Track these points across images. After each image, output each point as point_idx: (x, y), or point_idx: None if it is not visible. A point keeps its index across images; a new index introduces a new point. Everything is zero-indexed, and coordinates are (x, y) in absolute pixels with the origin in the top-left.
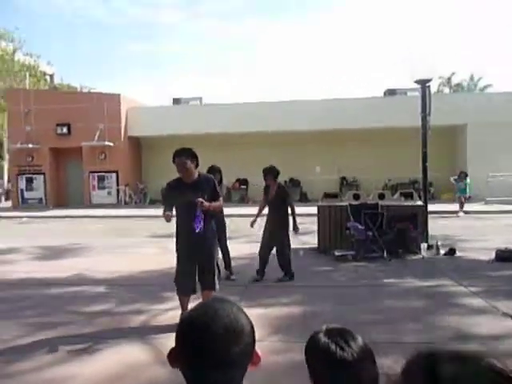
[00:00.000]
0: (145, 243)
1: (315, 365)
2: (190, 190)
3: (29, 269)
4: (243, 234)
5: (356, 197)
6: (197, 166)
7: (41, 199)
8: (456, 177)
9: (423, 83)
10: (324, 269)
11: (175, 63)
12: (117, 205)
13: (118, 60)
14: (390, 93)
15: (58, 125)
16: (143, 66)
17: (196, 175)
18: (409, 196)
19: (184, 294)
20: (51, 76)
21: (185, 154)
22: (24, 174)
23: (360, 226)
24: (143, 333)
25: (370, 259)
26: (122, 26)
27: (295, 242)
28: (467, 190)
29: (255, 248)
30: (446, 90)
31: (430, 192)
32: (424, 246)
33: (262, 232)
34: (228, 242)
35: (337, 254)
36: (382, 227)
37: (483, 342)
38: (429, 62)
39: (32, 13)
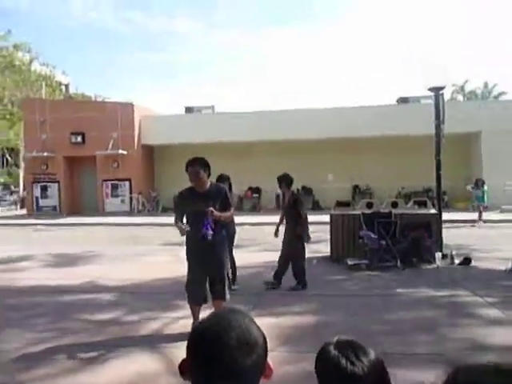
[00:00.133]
0: (157, 251)
1: (325, 377)
2: (202, 199)
3: (41, 276)
4: (255, 242)
5: (369, 205)
6: (209, 175)
7: (55, 207)
8: (473, 185)
9: (436, 91)
10: (337, 278)
11: (188, 73)
12: (130, 213)
13: (131, 69)
14: (403, 100)
15: (72, 133)
16: (156, 75)
17: (208, 185)
18: (422, 204)
19: (195, 303)
20: (66, 86)
21: (198, 164)
22: (39, 181)
23: (373, 235)
24: (154, 342)
25: (383, 268)
26: (136, 35)
27: (308, 251)
28: (485, 198)
29: (266, 257)
30: (460, 97)
31: (444, 200)
32: (438, 255)
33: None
34: (235, 251)
35: (350, 262)
36: (395, 236)
37: (499, 354)
38: (442, 69)
39: (47, 23)
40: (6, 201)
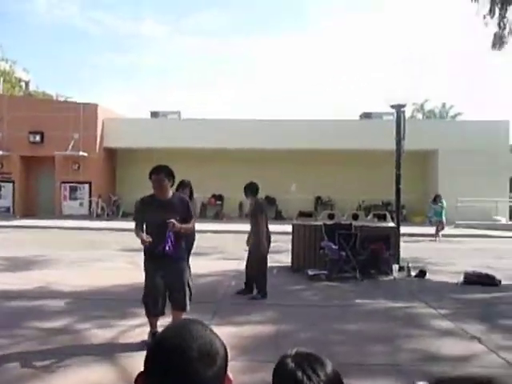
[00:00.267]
0: (115, 256)
1: None
2: (163, 208)
3: None
4: (216, 250)
5: (331, 217)
6: (172, 184)
7: (8, 208)
8: (431, 200)
9: (398, 108)
10: (297, 288)
11: (155, 76)
12: (88, 216)
13: (96, 70)
14: (366, 116)
15: (30, 132)
16: (122, 77)
17: (170, 194)
18: (382, 217)
19: (152, 314)
20: (27, 83)
21: (162, 172)
22: None
23: (334, 246)
24: (109, 350)
25: (342, 279)
26: (103, 36)
27: (269, 261)
28: (443, 214)
29: (226, 265)
30: (419, 115)
31: (403, 214)
32: (396, 267)
33: (231, 249)
34: (195, 258)
35: (310, 273)
36: (355, 247)
37: (452, 364)
38: (404, 88)
39: (9, 19)
40: None
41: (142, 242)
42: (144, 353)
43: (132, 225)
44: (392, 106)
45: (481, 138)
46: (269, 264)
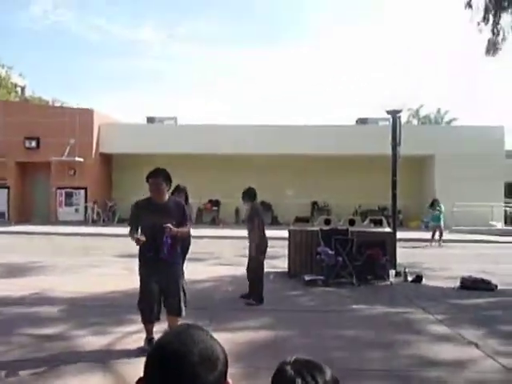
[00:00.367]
0: (110, 263)
1: None
2: (159, 211)
3: None
4: (213, 256)
5: (327, 222)
6: (169, 188)
7: (3, 214)
8: (429, 205)
9: (394, 114)
10: (293, 293)
11: (151, 82)
12: (84, 222)
13: (91, 76)
14: (362, 121)
15: (26, 138)
16: (118, 82)
17: (166, 197)
18: (378, 223)
19: (148, 320)
20: (22, 88)
21: (161, 176)
22: None
23: (330, 252)
24: (106, 357)
25: (339, 284)
26: (98, 42)
27: (265, 266)
28: (441, 219)
29: (223, 271)
30: (415, 121)
31: (399, 219)
32: (392, 272)
33: (228, 255)
34: (191, 264)
35: (306, 278)
36: (351, 253)
37: (449, 370)
38: (399, 94)
39: (6, 24)
40: None
41: (137, 241)
42: (141, 359)
43: (128, 230)
44: (388, 112)
45: (476, 143)
46: (265, 269)
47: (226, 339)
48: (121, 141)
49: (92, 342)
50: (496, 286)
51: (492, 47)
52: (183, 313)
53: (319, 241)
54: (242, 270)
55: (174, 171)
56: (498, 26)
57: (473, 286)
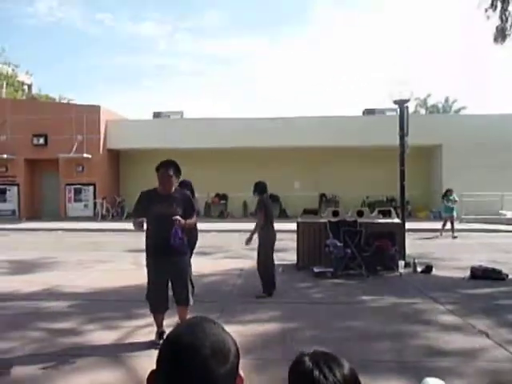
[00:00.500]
0: (120, 258)
1: None
2: (166, 202)
3: None
4: (221, 249)
5: (335, 214)
6: (178, 180)
7: (14, 211)
8: (443, 195)
9: (401, 103)
10: (302, 285)
11: (157, 77)
12: (93, 218)
13: (97, 72)
14: (369, 112)
15: (34, 135)
16: (124, 78)
17: (173, 189)
18: (387, 214)
19: (157, 311)
20: (29, 86)
21: (171, 167)
22: None
23: (339, 243)
24: (117, 351)
25: (348, 276)
26: (104, 38)
27: (274, 259)
28: (455, 208)
29: (232, 264)
30: (422, 110)
31: (407, 210)
32: (401, 263)
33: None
34: (200, 258)
35: (315, 270)
36: (360, 244)
37: (460, 360)
38: (407, 83)
39: (12, 22)
40: None
41: (137, 224)
42: (152, 353)
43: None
44: (395, 102)
45: (485, 131)
46: (274, 262)
47: (236, 331)
48: (128, 136)
49: (103, 336)
50: (507, 276)
51: (500, 34)
52: (191, 302)
53: (328, 233)
54: (250, 263)
55: (181, 165)
56: (507, 13)
57: (483, 275)
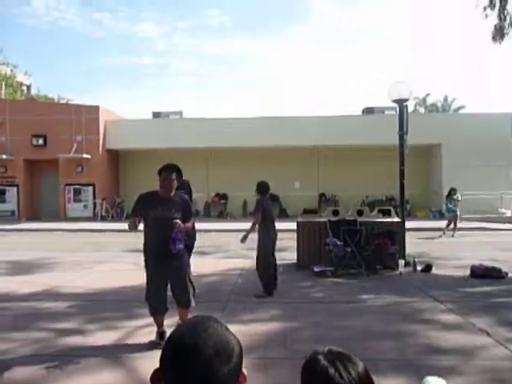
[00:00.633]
0: (119, 258)
1: None
2: (165, 206)
3: None
4: (222, 249)
5: (335, 213)
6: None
7: (13, 212)
8: (447, 194)
9: (401, 102)
10: (303, 285)
11: (156, 77)
12: (93, 218)
13: (96, 72)
14: (368, 111)
15: (33, 136)
16: (123, 78)
17: (173, 192)
18: (386, 213)
19: (156, 312)
20: (28, 87)
21: (174, 171)
22: None
23: (339, 242)
24: (118, 351)
25: (348, 275)
26: (102, 37)
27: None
28: (457, 208)
29: (231, 264)
30: (422, 109)
31: (407, 209)
32: (401, 262)
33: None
34: (201, 257)
35: (316, 269)
36: (360, 243)
37: (460, 358)
38: (405, 83)
39: (9, 23)
40: None
41: (130, 224)
42: (153, 353)
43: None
44: (394, 101)
45: (484, 130)
46: (276, 262)
47: (237, 331)
48: (127, 137)
49: (104, 336)
50: (506, 274)
51: (499, 33)
52: (192, 303)
53: (328, 232)
54: (250, 263)
55: (181, 165)
56: (505, 11)
57: (483, 274)
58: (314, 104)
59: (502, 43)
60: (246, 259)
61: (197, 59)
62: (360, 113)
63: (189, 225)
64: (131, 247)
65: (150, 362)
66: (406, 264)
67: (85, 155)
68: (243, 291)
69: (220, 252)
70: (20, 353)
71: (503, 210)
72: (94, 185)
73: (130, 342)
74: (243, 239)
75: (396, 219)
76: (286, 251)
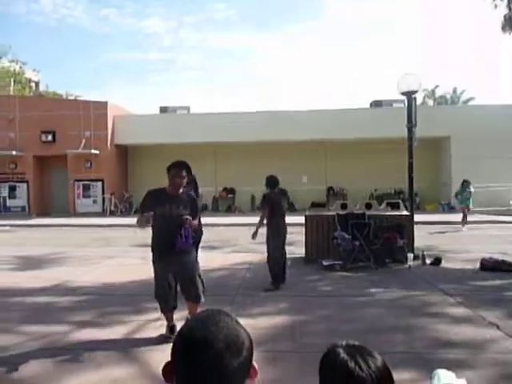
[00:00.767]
0: (129, 252)
1: (329, 379)
2: (174, 203)
3: (6, 280)
4: (230, 243)
5: (343, 206)
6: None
7: (24, 207)
8: (460, 187)
9: (409, 95)
10: (311, 278)
11: (163, 72)
12: (102, 214)
13: (104, 68)
14: (376, 104)
15: (42, 132)
16: (130, 74)
17: (181, 190)
18: (395, 206)
19: (166, 309)
20: (36, 83)
21: (184, 168)
22: (7, 181)
23: (347, 236)
24: (128, 345)
25: (357, 269)
26: (109, 34)
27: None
28: (471, 200)
29: (240, 258)
30: (430, 102)
31: (416, 202)
32: (410, 255)
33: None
34: (209, 252)
35: (324, 263)
36: (369, 237)
37: (470, 351)
38: (415, 75)
39: (17, 20)
40: None
41: (144, 220)
42: (163, 346)
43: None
44: (403, 93)
45: (493, 122)
46: (286, 255)
47: (246, 324)
48: (135, 132)
49: (113, 330)
50: None
51: (508, 23)
52: (202, 299)
53: (336, 225)
54: (258, 257)
55: (188, 160)
56: None
57: (493, 267)
58: (323, 98)
59: (511, 33)
60: (254, 253)
61: (203, 54)
62: (368, 106)
63: (195, 222)
64: (139, 242)
65: (161, 355)
66: (415, 257)
67: (93, 151)
68: (252, 285)
69: (228, 246)
70: (30, 346)
71: None
72: (102, 180)
73: (139, 335)
74: (253, 235)
75: (405, 212)
76: (294, 245)
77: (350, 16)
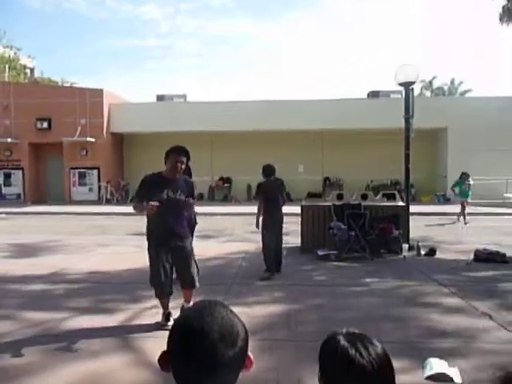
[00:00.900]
0: (125, 241)
1: (329, 366)
2: (172, 187)
3: (2, 267)
4: (226, 233)
5: (340, 197)
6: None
7: (19, 195)
8: (458, 180)
9: (407, 86)
10: (306, 268)
11: (160, 60)
12: (98, 202)
13: (100, 55)
14: (374, 95)
15: (38, 119)
16: (126, 61)
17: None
18: (391, 197)
19: (162, 295)
20: (31, 70)
21: (184, 153)
22: (2, 169)
23: (343, 226)
24: (124, 332)
25: (352, 259)
26: (106, 20)
27: None
28: (469, 194)
29: (236, 247)
30: (428, 93)
31: (411, 194)
32: (405, 246)
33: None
34: (204, 241)
35: (320, 253)
36: (364, 227)
37: (462, 341)
38: (413, 65)
39: (13, 6)
40: None
41: (150, 209)
42: (159, 334)
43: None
44: (400, 84)
45: (491, 114)
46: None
47: (241, 313)
48: (131, 120)
49: (109, 318)
50: (511, 258)
51: (506, 14)
52: (197, 284)
53: (332, 215)
54: (254, 246)
55: None
56: None
57: (487, 258)
58: (321, 86)
59: (509, 24)
60: (250, 242)
61: (200, 40)
62: (365, 96)
63: (193, 201)
64: (135, 230)
65: (157, 343)
66: (410, 248)
67: (89, 138)
68: (248, 274)
69: (224, 235)
70: (26, 334)
71: (509, 195)
72: (98, 168)
73: (135, 323)
74: (257, 225)
75: (400, 203)
76: (290, 235)
77: (348, 3)
